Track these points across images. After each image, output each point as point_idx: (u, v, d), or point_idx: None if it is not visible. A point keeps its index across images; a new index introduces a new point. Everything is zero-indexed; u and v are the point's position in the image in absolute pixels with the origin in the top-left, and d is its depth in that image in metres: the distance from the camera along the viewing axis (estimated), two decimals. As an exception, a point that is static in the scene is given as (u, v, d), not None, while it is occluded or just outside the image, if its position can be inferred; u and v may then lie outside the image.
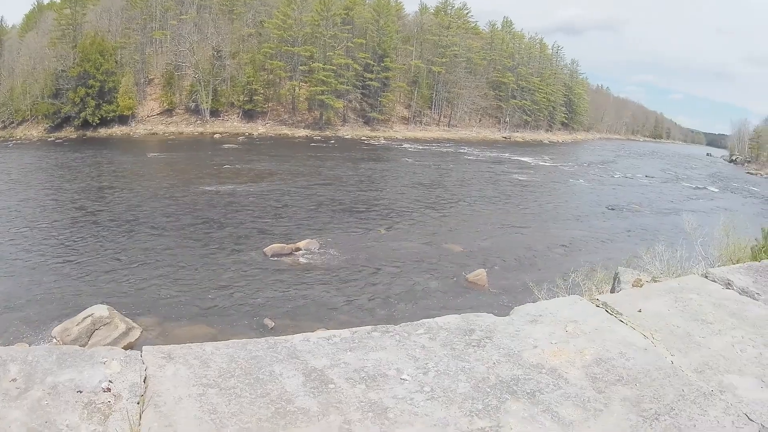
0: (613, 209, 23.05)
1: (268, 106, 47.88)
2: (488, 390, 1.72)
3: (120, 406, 1.47)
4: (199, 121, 43.16)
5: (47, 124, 40.01)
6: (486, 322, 2.21)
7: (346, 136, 46.70)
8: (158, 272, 12.79)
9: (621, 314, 2.30)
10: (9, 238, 15.01)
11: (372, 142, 44.96)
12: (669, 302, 2.40)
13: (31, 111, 40.61)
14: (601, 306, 2.38)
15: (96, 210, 17.30)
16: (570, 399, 1.69)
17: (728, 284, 2.57)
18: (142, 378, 1.60)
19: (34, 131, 39.30)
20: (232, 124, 44.17)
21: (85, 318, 8.74)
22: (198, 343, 1.86)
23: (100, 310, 8.90)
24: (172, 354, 1.77)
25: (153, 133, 40.44)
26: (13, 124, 40.57)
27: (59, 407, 1.40)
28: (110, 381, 1.57)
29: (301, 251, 14.46)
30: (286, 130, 45.71)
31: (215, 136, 39.16)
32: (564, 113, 76.86)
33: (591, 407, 1.65)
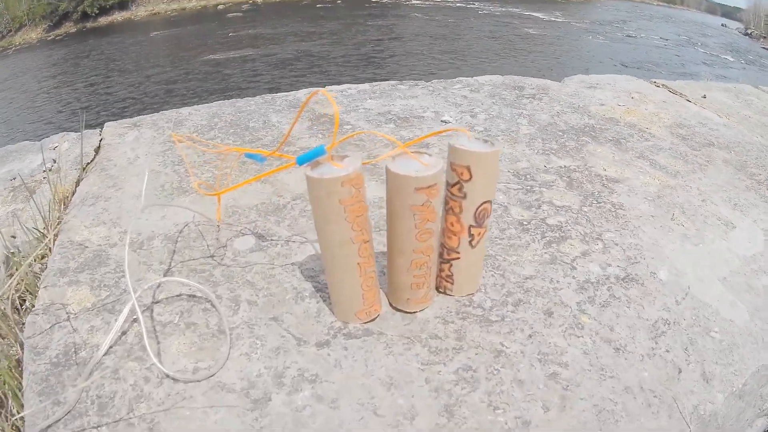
0: (627, 66, 21.09)
1: (271, -29, 44.09)
2: (560, 134, 1.20)
3: (53, 178, 0.98)
4: (201, -6, 40.05)
5: (45, 24, 37.53)
6: (535, 82, 1.69)
7: (354, -6, 42.93)
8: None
9: (685, 95, 1.80)
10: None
11: (380, -1, 41.22)
12: (731, 97, 1.96)
13: (27, 16, 37.91)
14: (661, 87, 1.88)
15: (104, 93, 16.28)
16: (664, 151, 1.20)
17: (784, 98, 2.16)
18: (94, 148, 1.10)
19: (33, 34, 36.65)
20: (236, -8, 40.88)
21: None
22: (174, 108, 1.33)
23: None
24: (140, 122, 1.25)
25: (155, 14, 37.57)
26: (11, 33, 38.14)
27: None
28: (54, 160, 1.11)
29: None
30: (291, -8, 42.21)
31: (219, 7, 36.11)
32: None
33: (693, 161, 1.17)
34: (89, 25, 36.58)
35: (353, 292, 0.50)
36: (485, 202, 0.51)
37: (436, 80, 1.55)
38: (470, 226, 0.51)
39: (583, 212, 0.84)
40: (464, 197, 0.50)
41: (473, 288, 0.58)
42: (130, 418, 0.45)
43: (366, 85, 1.41)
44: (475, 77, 1.64)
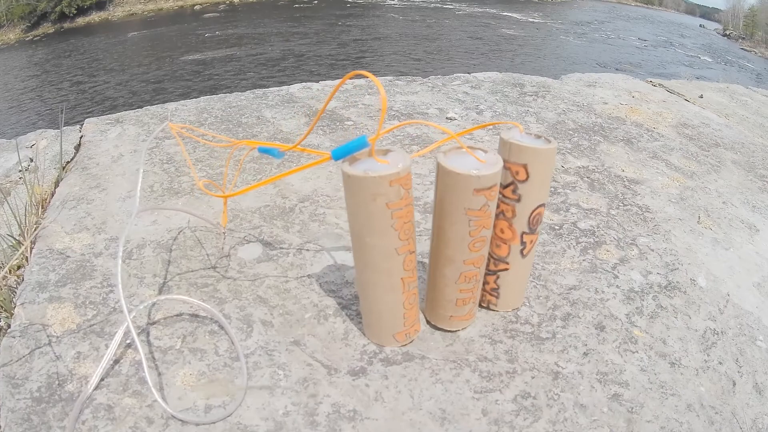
0: (606, 67, 21.25)
1: (249, -28, 43.59)
2: (571, 132, 1.15)
3: (30, 178, 0.88)
4: (178, -4, 39.34)
5: (24, 25, 36.59)
6: (536, 79, 1.64)
7: (331, -6, 42.66)
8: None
9: (683, 95, 1.78)
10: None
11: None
12: (726, 98, 1.95)
13: (6, 16, 36.93)
14: (658, 86, 1.86)
15: (88, 91, 15.75)
16: (676, 151, 1.17)
17: (774, 98, 2.18)
18: (74, 146, 1.01)
19: (11, 35, 35.67)
20: (213, -7, 40.23)
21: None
22: (159, 104, 1.24)
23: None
24: (123, 118, 1.16)
25: (132, 14, 36.85)
26: (-11, 33, 36.90)
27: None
28: (31, 159, 1.01)
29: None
30: (269, -7, 41.73)
31: (195, 7, 35.52)
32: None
33: (705, 162, 1.13)
34: (66, 25, 35.65)
35: (394, 312, 0.42)
36: (540, 206, 0.44)
37: (434, 76, 1.49)
38: (523, 233, 0.45)
39: (612, 215, 0.78)
40: (518, 200, 0.43)
41: (519, 302, 0.52)
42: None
43: (362, 81, 1.34)
44: (473, 74, 1.59)
